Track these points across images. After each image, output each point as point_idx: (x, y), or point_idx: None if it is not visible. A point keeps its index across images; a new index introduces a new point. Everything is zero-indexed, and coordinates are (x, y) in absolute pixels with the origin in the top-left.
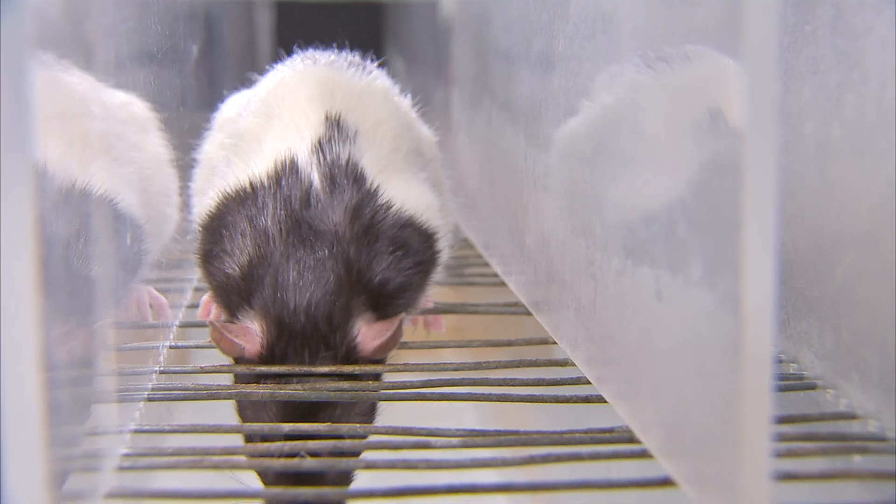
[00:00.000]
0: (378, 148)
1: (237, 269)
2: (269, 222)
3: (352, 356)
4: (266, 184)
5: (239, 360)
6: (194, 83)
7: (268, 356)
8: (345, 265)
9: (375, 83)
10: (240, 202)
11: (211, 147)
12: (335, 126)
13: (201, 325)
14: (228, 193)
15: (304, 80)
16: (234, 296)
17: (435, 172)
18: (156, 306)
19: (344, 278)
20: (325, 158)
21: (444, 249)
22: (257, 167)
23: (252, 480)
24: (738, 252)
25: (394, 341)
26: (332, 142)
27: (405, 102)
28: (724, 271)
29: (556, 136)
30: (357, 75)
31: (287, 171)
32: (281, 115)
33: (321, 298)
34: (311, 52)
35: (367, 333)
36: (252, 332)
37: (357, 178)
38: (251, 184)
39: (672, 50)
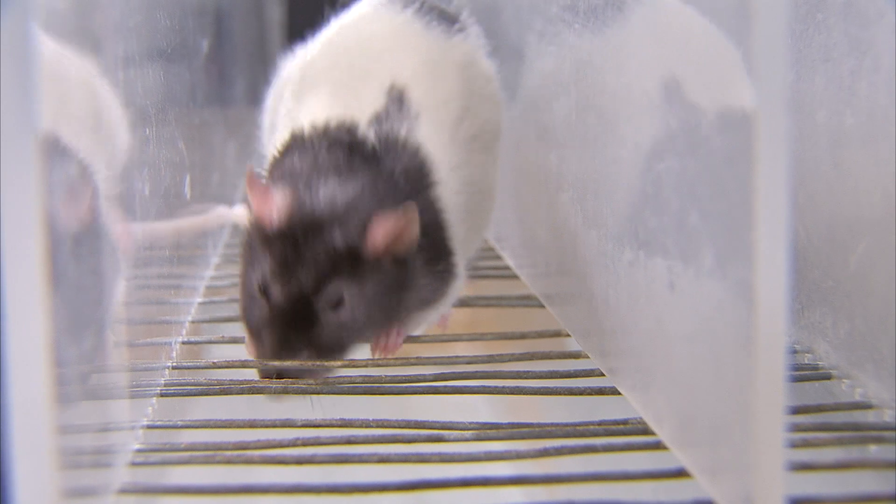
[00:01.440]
0: (438, 130)
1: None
2: (318, 152)
3: (361, 246)
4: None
5: (254, 228)
6: (204, 79)
7: (283, 227)
8: (375, 185)
9: (454, 51)
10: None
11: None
12: (398, 101)
13: (214, 320)
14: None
15: (380, 31)
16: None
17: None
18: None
19: (370, 191)
20: (381, 133)
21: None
22: (318, 121)
23: (265, 475)
24: (750, 240)
25: (405, 232)
26: (391, 118)
27: (484, 71)
28: (737, 260)
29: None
30: (438, 39)
31: (343, 136)
32: (348, 70)
33: (346, 191)
34: None
35: (378, 223)
36: (276, 196)
37: (409, 151)
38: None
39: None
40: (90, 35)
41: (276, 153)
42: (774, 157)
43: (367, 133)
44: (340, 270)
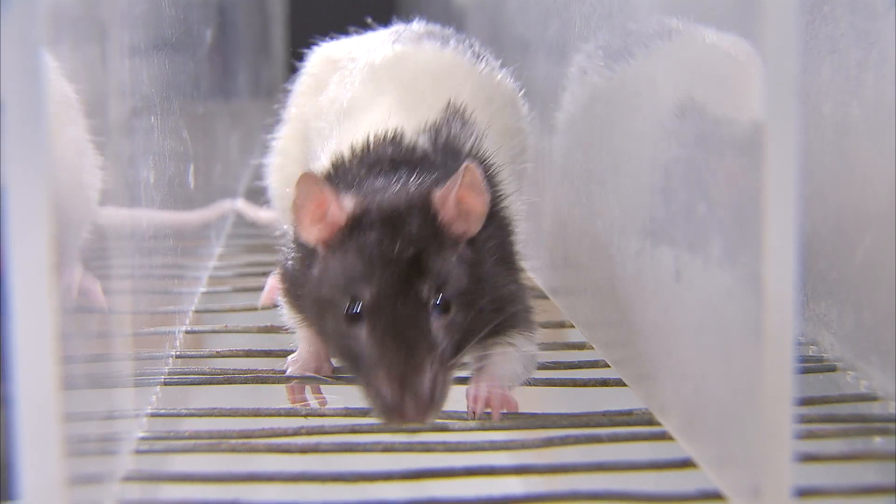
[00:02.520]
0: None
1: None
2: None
3: (436, 224)
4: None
5: (316, 236)
6: (208, 69)
7: (353, 224)
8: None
9: (501, 84)
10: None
11: (301, 108)
12: (454, 115)
13: (217, 310)
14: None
15: (433, 59)
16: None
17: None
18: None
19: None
20: (435, 139)
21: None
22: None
23: (270, 463)
24: (759, 230)
25: (474, 192)
26: (451, 129)
27: (521, 106)
28: (745, 249)
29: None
30: (487, 72)
31: (395, 140)
32: (396, 94)
33: (411, 182)
34: (418, 25)
35: (441, 195)
36: (342, 201)
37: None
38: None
39: (689, 28)
40: (96, 23)
41: (331, 162)
42: (784, 147)
43: (421, 140)
44: (434, 263)
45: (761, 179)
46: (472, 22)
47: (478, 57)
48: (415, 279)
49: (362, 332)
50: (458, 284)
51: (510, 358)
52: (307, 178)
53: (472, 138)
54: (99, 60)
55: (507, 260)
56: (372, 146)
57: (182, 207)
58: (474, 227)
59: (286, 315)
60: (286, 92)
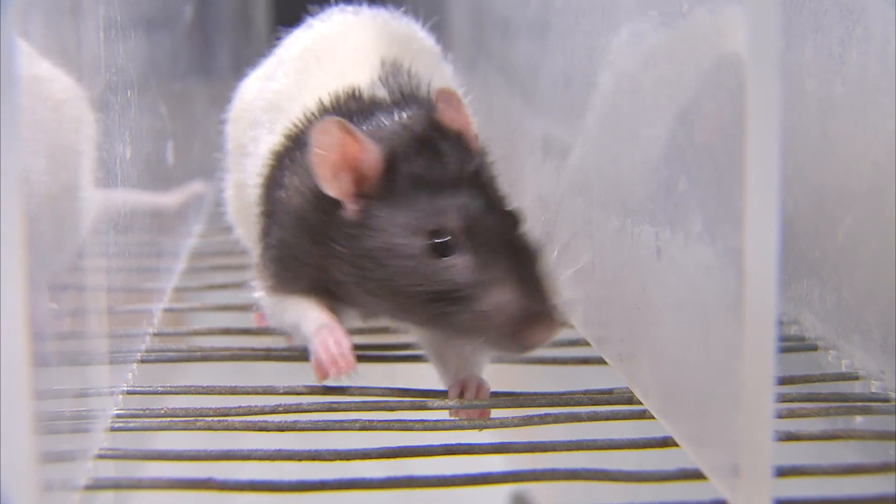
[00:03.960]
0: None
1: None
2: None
3: (462, 140)
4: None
5: (349, 187)
6: (187, 47)
7: (390, 167)
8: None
9: (428, 42)
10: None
11: (237, 130)
12: (396, 69)
13: (196, 288)
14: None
15: (352, 28)
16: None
17: None
18: None
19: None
20: (391, 89)
21: None
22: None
23: (244, 440)
24: (740, 206)
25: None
26: (394, 78)
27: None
28: (726, 224)
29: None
30: (410, 28)
31: (355, 96)
32: (326, 67)
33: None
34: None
35: (449, 117)
36: (370, 147)
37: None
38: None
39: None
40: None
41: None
42: (765, 122)
43: (379, 93)
44: (490, 175)
45: (743, 153)
46: (454, 3)
47: (394, 18)
48: (489, 190)
49: (464, 261)
50: (506, 193)
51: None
52: (328, 125)
53: (423, 86)
54: (72, 36)
55: None
56: (335, 105)
57: (160, 185)
58: (475, 135)
59: (280, 307)
60: None
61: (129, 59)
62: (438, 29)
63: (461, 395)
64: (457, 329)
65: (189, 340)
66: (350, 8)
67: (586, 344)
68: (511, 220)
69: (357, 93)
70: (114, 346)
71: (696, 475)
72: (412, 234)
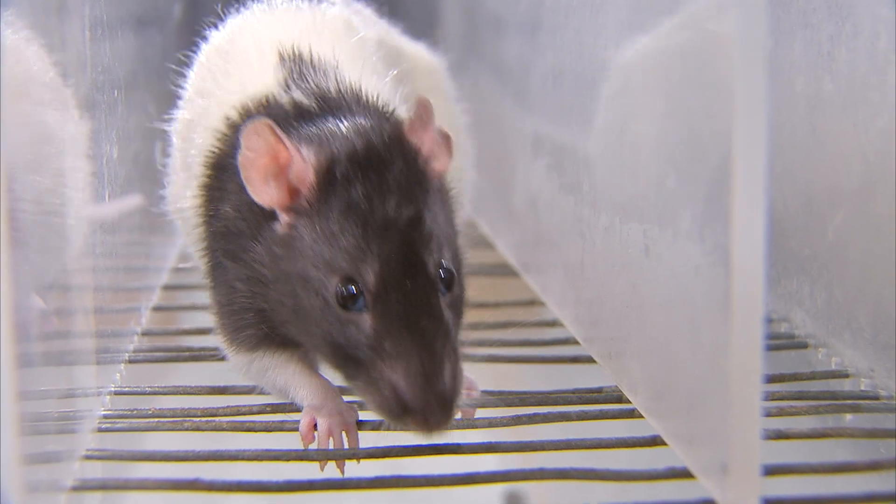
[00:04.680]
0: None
1: None
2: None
3: (418, 166)
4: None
5: (282, 200)
6: (177, 45)
7: (325, 179)
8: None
9: (331, 13)
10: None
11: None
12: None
13: (185, 287)
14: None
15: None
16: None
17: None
18: None
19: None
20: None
21: None
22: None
23: (232, 441)
24: (728, 203)
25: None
26: (304, 76)
27: (377, 29)
28: (714, 222)
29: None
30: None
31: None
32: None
33: (369, 125)
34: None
35: (417, 130)
36: (303, 151)
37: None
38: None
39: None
40: None
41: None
42: (753, 120)
43: (297, 96)
44: (433, 223)
45: (731, 151)
46: (446, 1)
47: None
48: (419, 247)
49: (365, 321)
50: (453, 250)
51: None
52: (259, 127)
53: (331, 73)
54: (58, 35)
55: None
56: (245, 115)
57: (149, 184)
58: (446, 165)
59: (255, 371)
60: None
61: (117, 57)
62: (430, 27)
63: None
64: (354, 386)
65: (177, 340)
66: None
67: (576, 342)
68: (430, 286)
69: (270, 98)
70: (101, 345)
71: (685, 474)
72: (329, 271)
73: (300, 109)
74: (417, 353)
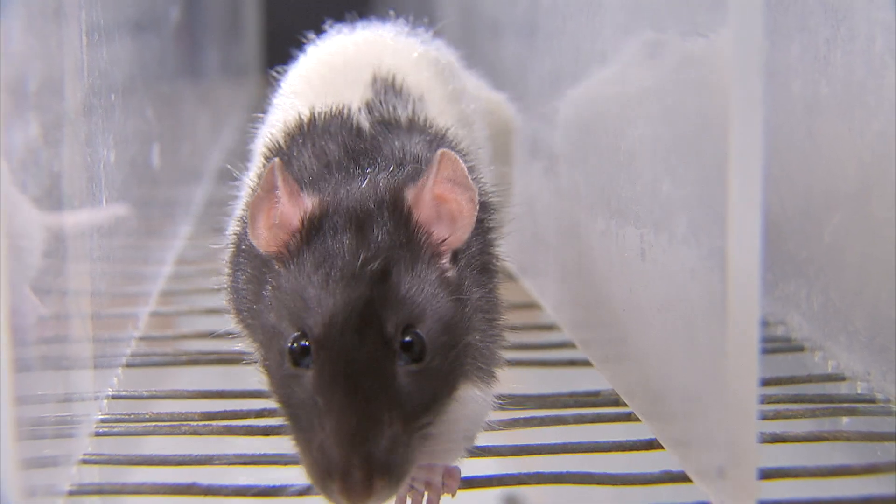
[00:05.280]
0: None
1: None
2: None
3: (409, 229)
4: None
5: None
6: (175, 49)
7: (311, 229)
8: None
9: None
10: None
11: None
12: (386, 88)
13: (182, 292)
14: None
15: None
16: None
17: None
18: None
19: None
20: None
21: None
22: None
23: (229, 445)
24: (724, 208)
25: (452, 181)
26: (384, 102)
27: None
28: (710, 226)
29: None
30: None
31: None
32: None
33: (372, 184)
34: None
35: (415, 191)
36: (301, 199)
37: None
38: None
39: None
40: (52, 1)
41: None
42: (748, 124)
43: (361, 119)
44: (406, 284)
45: (727, 155)
46: (443, 3)
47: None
48: (378, 305)
49: (308, 375)
50: (438, 319)
51: (457, 419)
52: (273, 165)
53: (411, 107)
54: (55, 40)
55: (488, 276)
56: (307, 131)
57: (146, 188)
58: (461, 234)
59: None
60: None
61: (114, 62)
62: (426, 30)
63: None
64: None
65: (175, 344)
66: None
67: (573, 346)
68: (383, 347)
69: (344, 114)
70: (98, 350)
71: (682, 478)
72: (290, 324)
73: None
74: (347, 413)
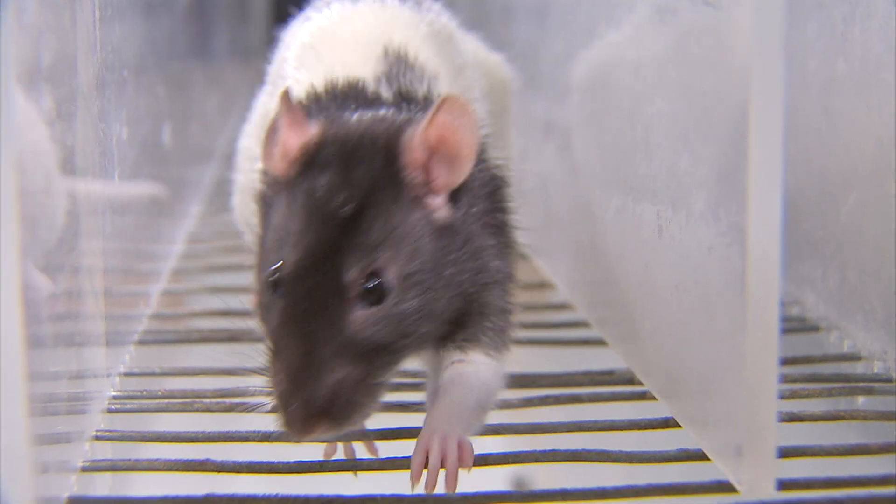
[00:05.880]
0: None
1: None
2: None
3: (396, 169)
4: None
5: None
6: (185, 29)
7: (307, 159)
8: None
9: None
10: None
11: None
12: (399, 61)
13: (194, 270)
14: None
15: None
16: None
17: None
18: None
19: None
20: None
21: None
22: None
23: (244, 422)
24: (744, 183)
25: (456, 132)
26: (402, 77)
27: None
28: (729, 202)
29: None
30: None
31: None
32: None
33: (373, 121)
34: None
35: (411, 132)
36: (306, 127)
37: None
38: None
39: None
40: None
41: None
42: (770, 97)
43: (379, 89)
44: (377, 227)
45: (747, 130)
46: None
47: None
48: (345, 247)
49: (277, 307)
50: (409, 260)
51: (471, 387)
52: (292, 102)
53: (426, 80)
54: (68, 14)
55: (500, 237)
56: (329, 91)
57: (157, 166)
58: (458, 175)
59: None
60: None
61: (126, 38)
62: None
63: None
64: None
65: (187, 322)
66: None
67: (586, 325)
68: (337, 289)
69: (360, 85)
70: (111, 327)
71: (698, 456)
72: (275, 254)
73: (377, 100)
74: (294, 353)
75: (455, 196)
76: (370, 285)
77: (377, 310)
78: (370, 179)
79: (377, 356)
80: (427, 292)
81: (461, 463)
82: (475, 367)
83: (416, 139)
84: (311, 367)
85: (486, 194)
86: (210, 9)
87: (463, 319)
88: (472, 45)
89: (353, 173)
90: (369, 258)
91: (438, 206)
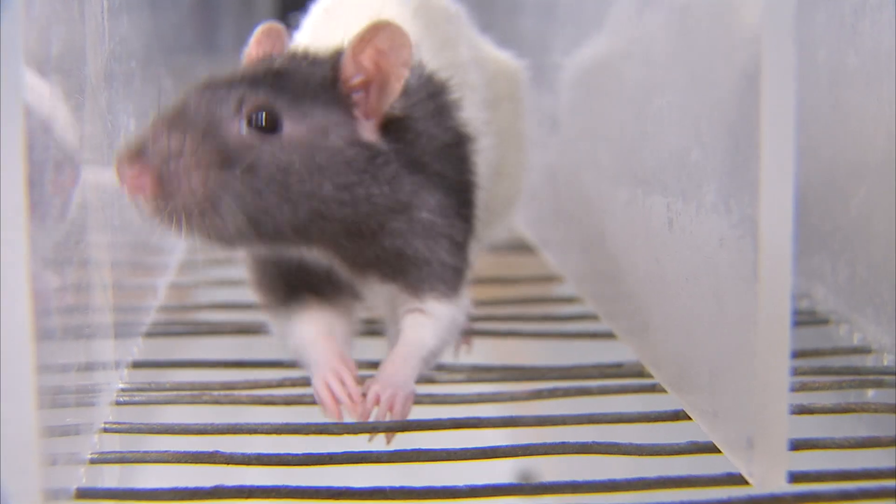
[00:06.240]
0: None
1: None
2: None
3: (335, 76)
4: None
5: None
6: (191, 23)
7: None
8: None
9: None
10: None
11: None
12: None
13: (202, 262)
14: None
15: None
16: None
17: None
18: None
19: None
20: None
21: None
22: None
23: (251, 414)
24: (756, 172)
25: (390, 50)
26: None
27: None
28: (741, 194)
29: (564, 66)
30: None
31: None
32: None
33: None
34: None
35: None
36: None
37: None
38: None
39: None
40: None
41: None
42: (782, 88)
43: None
44: (294, 91)
45: (759, 122)
46: None
47: None
48: (260, 85)
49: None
50: (308, 133)
51: (419, 337)
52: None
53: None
54: (77, 7)
55: (449, 194)
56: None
57: None
58: (386, 99)
59: (283, 332)
60: None
61: (133, 29)
62: None
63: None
64: None
65: (195, 315)
66: None
67: (595, 318)
68: (236, 105)
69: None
70: (119, 319)
71: (708, 448)
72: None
73: None
74: (160, 122)
75: (392, 129)
76: (258, 115)
77: (252, 137)
78: (310, 75)
79: (232, 189)
80: (305, 174)
81: (401, 416)
82: (426, 316)
83: (347, 55)
84: (172, 138)
85: (440, 146)
86: (216, 1)
87: (401, 265)
88: (479, 39)
89: (299, 67)
90: (273, 96)
91: (367, 127)
